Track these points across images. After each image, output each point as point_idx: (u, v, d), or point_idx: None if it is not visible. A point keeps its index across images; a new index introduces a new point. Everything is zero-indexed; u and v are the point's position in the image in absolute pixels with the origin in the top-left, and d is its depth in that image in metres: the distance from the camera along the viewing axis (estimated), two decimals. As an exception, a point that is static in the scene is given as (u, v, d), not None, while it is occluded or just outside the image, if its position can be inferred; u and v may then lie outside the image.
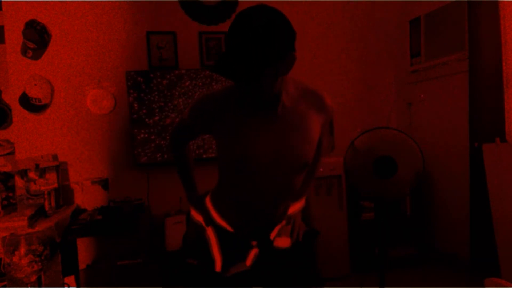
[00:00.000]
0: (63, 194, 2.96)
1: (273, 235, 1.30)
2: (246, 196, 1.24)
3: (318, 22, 3.64)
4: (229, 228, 1.31)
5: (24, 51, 2.95)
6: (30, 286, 2.22)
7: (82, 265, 2.90)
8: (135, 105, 3.03)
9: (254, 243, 1.29)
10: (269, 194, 1.22)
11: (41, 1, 2.99)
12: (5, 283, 2.22)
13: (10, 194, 2.80)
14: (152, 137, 3.06)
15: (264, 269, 1.32)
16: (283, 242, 1.29)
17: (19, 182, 2.77)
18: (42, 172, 2.79)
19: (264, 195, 1.22)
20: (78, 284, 2.83)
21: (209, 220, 1.33)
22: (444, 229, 3.42)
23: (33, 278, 2.22)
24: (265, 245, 1.30)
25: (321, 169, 3.09)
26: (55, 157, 2.99)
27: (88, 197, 3.06)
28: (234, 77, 1.00)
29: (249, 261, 1.29)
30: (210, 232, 1.31)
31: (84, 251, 3.00)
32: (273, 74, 1.03)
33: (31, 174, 2.76)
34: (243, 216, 1.29)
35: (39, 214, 2.56)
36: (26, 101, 2.94)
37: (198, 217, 1.36)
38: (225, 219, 1.32)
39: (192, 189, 1.43)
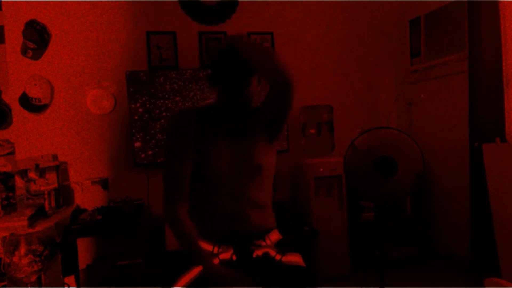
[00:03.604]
0: (63, 194, 2.95)
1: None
2: (217, 198, 1.39)
3: (318, 22, 3.64)
4: (209, 247, 1.36)
5: (24, 51, 2.95)
6: (30, 286, 2.22)
7: (82, 265, 2.90)
8: (135, 105, 3.03)
9: (234, 258, 1.35)
10: (234, 191, 1.39)
11: (41, 1, 2.98)
12: (5, 283, 2.22)
13: (10, 194, 2.80)
14: (152, 137, 3.06)
15: (259, 270, 1.34)
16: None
17: (19, 182, 2.77)
18: (42, 172, 2.79)
19: (230, 192, 1.39)
20: (78, 284, 2.83)
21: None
22: (444, 229, 3.42)
23: (33, 278, 2.22)
24: (246, 259, 1.36)
25: (321, 169, 3.15)
26: (55, 157, 2.99)
27: (88, 197, 3.06)
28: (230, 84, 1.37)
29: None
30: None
31: (84, 251, 3.00)
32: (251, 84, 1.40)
33: (31, 174, 2.76)
34: (219, 224, 1.38)
35: (39, 214, 2.55)
36: (26, 101, 2.94)
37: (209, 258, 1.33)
38: (207, 238, 1.37)
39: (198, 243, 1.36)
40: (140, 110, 3.04)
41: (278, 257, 1.39)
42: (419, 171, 2.25)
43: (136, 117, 3.03)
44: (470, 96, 2.83)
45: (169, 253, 2.84)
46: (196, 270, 1.33)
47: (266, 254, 1.38)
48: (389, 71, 3.86)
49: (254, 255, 1.37)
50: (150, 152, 3.05)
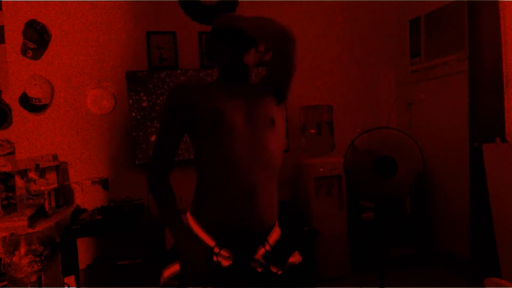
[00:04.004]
0: (63, 194, 2.95)
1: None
2: (231, 158, 1.31)
3: (318, 22, 3.64)
4: (210, 243, 1.33)
5: (24, 51, 2.95)
6: (30, 286, 2.22)
7: (82, 265, 2.90)
8: (135, 105, 3.03)
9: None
10: (247, 161, 1.31)
11: (41, 1, 2.99)
12: (5, 283, 2.22)
13: (10, 194, 2.80)
14: (152, 137, 3.06)
15: (256, 269, 1.34)
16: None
17: (19, 182, 2.77)
18: (42, 172, 2.79)
19: (243, 165, 1.31)
20: (78, 284, 2.83)
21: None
22: (444, 229, 3.42)
23: (33, 278, 2.22)
24: (245, 263, 1.34)
25: (321, 169, 3.15)
26: (55, 157, 2.99)
27: (88, 197, 3.06)
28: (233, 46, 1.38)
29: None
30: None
31: (84, 251, 3.00)
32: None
33: (31, 174, 2.76)
34: (227, 210, 1.32)
35: (39, 214, 2.56)
36: (26, 101, 2.94)
37: (199, 250, 1.33)
38: (208, 229, 1.34)
39: (183, 227, 1.37)
40: (140, 110, 3.04)
41: (280, 273, 1.38)
42: (419, 171, 2.25)
43: (136, 117, 3.03)
44: (470, 96, 2.83)
45: (169, 253, 2.84)
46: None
47: (266, 270, 1.37)
48: (389, 71, 3.86)
49: (253, 266, 1.36)
50: (150, 152, 3.05)
